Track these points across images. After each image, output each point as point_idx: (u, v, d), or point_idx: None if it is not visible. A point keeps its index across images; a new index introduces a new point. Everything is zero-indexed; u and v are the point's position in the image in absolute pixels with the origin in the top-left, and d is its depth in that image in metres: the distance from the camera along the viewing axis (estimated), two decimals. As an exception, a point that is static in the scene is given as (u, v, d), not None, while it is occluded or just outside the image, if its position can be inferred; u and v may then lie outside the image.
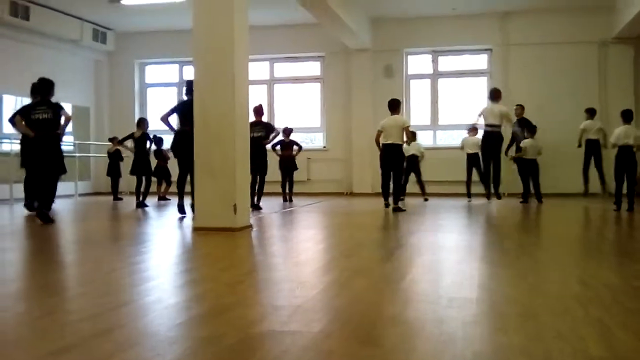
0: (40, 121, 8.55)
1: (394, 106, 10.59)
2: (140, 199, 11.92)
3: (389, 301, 3.73)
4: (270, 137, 11.46)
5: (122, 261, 5.52)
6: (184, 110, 9.04)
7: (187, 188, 9.15)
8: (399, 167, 10.43)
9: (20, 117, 8.81)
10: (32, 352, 2.75)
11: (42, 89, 8.78)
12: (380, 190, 11.01)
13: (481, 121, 11.90)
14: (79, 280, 4.72)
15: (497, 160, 10.25)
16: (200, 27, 7.70)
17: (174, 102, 16.95)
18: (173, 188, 12.73)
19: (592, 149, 12.56)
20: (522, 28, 15.24)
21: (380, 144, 10.43)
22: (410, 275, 4.59)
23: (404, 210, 10.33)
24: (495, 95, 10.64)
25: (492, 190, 11.26)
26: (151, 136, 12.48)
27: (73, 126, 16.17)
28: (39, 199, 8.81)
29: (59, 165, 8.77)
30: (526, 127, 12.63)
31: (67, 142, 13.35)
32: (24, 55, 14.49)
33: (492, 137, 10.23)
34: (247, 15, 8.00)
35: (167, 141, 13.25)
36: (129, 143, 12.51)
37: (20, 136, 9.92)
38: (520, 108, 13.25)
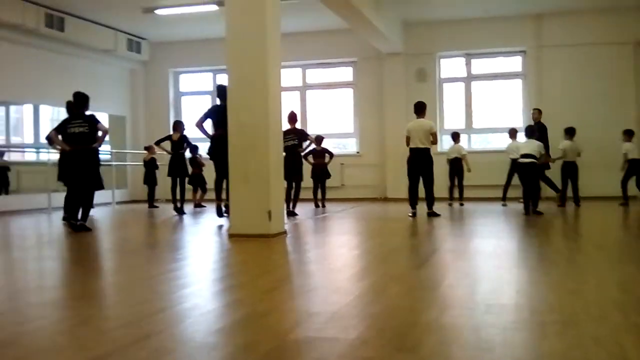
0: (76, 135, 8.59)
1: (420, 109, 10.49)
2: (178, 205, 12.03)
3: (425, 307, 3.70)
4: (304, 145, 11.51)
5: (158, 268, 5.57)
6: (217, 114, 9.13)
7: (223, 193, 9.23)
8: (429, 171, 10.29)
9: (56, 132, 8.90)
10: None
11: (77, 103, 8.86)
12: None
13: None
14: (116, 288, 4.77)
15: (537, 185, 10.31)
16: (233, 35, 7.76)
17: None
18: (209, 195, 12.85)
19: (635, 168, 12.36)
20: (555, 30, 15.05)
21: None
22: (447, 281, 4.55)
23: (439, 215, 10.25)
24: (531, 133, 10.82)
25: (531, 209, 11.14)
26: (189, 139, 12.58)
27: (110, 135, 16.36)
28: (76, 212, 8.80)
29: (96, 181, 8.79)
30: (541, 131, 12.37)
31: (104, 151, 13.54)
32: (59, 66, 14.74)
33: (529, 167, 10.21)
34: (279, 22, 8.04)
35: (202, 149, 13.44)
36: (167, 145, 12.60)
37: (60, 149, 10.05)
38: (538, 112, 13.08)
